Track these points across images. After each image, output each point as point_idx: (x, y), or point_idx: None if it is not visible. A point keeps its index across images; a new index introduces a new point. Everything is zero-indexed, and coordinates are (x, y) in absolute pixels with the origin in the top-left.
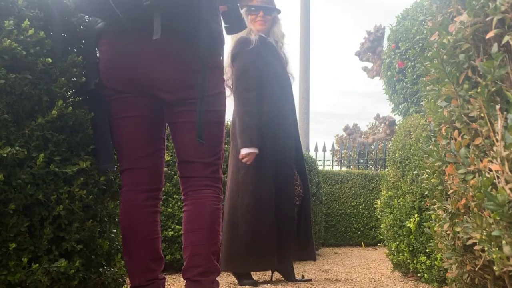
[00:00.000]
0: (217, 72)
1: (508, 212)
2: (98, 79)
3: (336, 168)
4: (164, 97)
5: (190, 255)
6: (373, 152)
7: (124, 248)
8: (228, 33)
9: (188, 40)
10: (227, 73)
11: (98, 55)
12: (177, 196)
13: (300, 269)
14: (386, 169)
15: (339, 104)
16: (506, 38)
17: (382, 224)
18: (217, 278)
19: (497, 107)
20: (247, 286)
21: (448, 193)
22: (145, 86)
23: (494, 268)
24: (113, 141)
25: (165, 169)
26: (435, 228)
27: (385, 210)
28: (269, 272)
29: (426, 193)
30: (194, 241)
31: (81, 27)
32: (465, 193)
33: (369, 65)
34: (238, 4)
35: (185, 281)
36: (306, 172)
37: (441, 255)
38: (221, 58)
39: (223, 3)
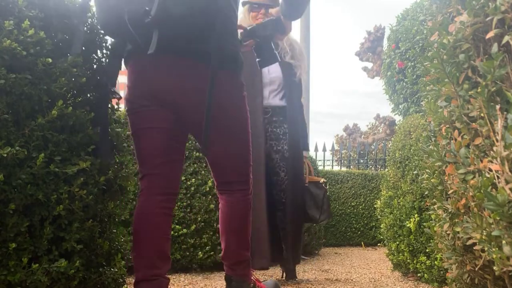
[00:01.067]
0: (238, 92)
1: (508, 212)
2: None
3: (336, 168)
4: (182, 114)
5: (224, 248)
6: (373, 152)
7: (133, 245)
8: (261, 66)
9: (201, 60)
10: None
11: (127, 74)
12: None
13: (300, 269)
14: (386, 169)
15: (339, 104)
16: (506, 38)
17: (382, 224)
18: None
19: (497, 107)
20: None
21: (448, 193)
22: (165, 101)
23: (494, 268)
24: (135, 150)
25: None
26: (435, 228)
27: (385, 210)
28: (268, 273)
29: (426, 193)
30: (228, 239)
31: (84, 28)
32: (465, 193)
33: (369, 65)
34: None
35: (185, 280)
36: (299, 175)
37: (441, 255)
38: (241, 78)
39: (250, 37)
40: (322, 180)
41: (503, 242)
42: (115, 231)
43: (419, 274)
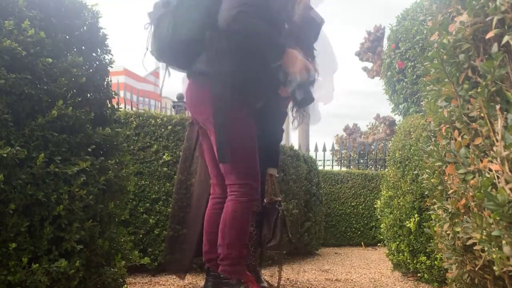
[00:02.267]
0: (237, 110)
1: (508, 212)
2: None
3: (336, 168)
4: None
5: (218, 243)
6: (373, 152)
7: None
8: (299, 106)
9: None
10: None
11: None
12: (177, 196)
13: (300, 269)
14: (386, 169)
15: (339, 104)
16: (506, 38)
17: (382, 224)
18: None
19: (497, 107)
20: None
21: (448, 193)
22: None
23: (494, 268)
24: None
25: (165, 169)
26: (435, 228)
27: (385, 210)
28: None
29: (426, 193)
30: (223, 236)
31: (84, 27)
32: (465, 193)
33: (369, 65)
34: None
35: (185, 280)
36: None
37: (441, 255)
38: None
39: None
40: (277, 199)
41: (503, 242)
42: (115, 231)
43: (419, 274)
